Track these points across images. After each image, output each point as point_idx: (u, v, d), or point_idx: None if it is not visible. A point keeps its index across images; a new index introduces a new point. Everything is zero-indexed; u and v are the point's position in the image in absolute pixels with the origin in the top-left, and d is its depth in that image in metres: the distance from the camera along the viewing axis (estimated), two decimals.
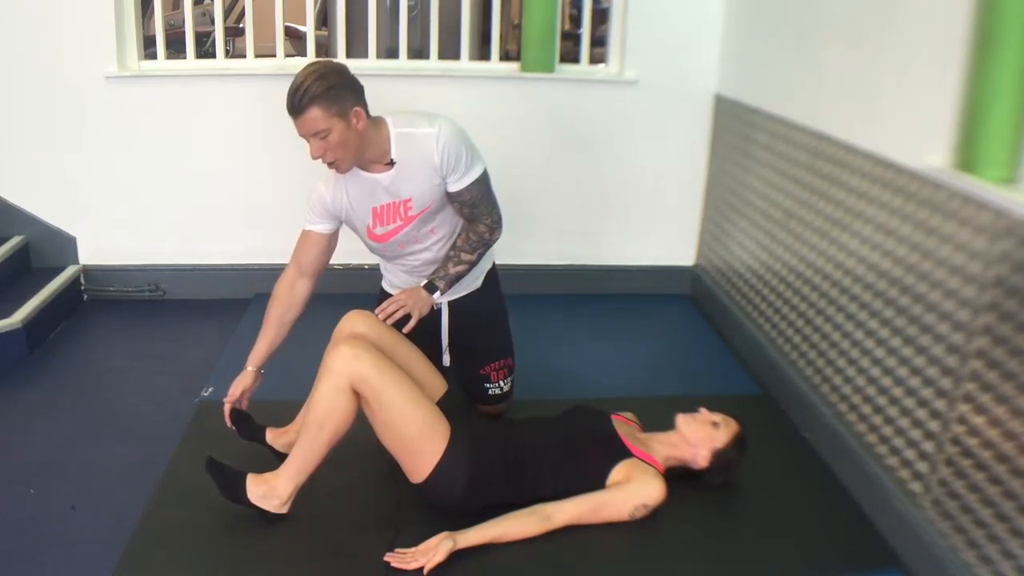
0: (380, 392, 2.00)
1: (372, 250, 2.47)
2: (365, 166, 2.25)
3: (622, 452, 2.15)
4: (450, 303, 2.51)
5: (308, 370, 2.26)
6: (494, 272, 2.64)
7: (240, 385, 2.32)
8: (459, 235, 2.42)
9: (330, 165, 2.19)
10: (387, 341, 2.22)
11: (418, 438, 2.03)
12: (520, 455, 2.13)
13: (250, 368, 2.33)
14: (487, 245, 2.41)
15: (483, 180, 2.34)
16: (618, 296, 3.72)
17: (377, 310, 2.25)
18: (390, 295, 2.49)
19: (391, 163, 2.24)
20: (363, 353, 2.01)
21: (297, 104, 2.07)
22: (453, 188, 2.30)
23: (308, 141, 2.13)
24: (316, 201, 2.33)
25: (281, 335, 2.35)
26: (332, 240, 2.38)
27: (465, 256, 2.37)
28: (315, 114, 2.07)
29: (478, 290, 2.56)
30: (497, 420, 2.57)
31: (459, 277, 2.37)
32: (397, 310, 2.22)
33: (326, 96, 2.07)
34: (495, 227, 2.40)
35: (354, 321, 2.26)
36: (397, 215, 2.32)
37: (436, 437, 2.04)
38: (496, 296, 2.64)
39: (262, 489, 2.05)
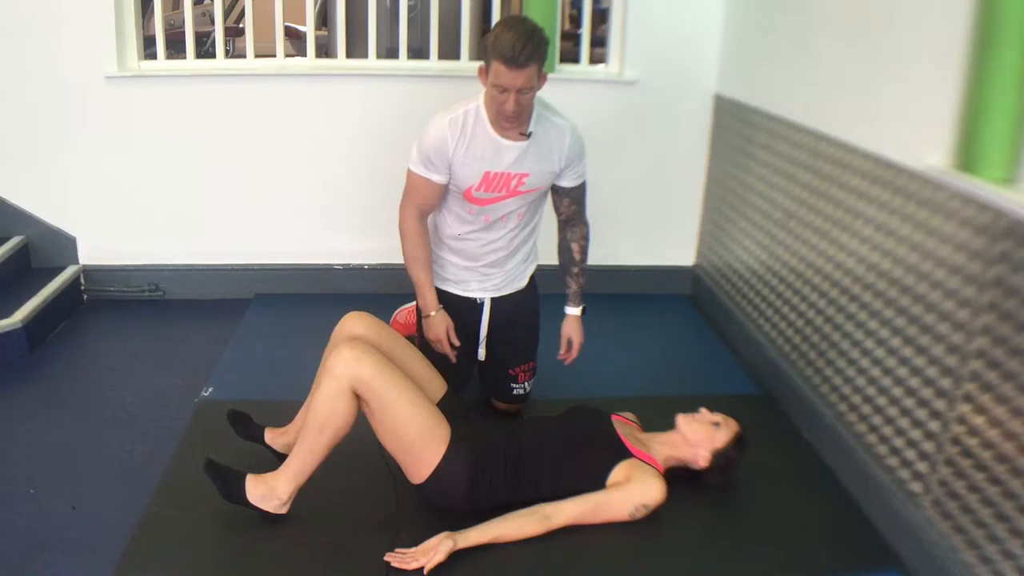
0: (381, 394, 1.99)
1: (453, 215, 2.43)
2: (504, 130, 2.27)
3: (622, 452, 2.15)
4: (492, 300, 2.55)
5: (308, 370, 2.26)
6: (534, 275, 2.66)
7: (444, 323, 2.44)
8: (571, 250, 2.56)
9: (508, 118, 2.21)
10: (386, 342, 2.21)
11: (418, 439, 2.03)
12: (520, 455, 2.13)
13: (435, 312, 2.45)
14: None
15: (586, 183, 2.51)
16: (618, 296, 3.71)
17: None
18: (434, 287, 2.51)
19: (526, 134, 2.29)
20: (364, 355, 2.01)
21: (526, 58, 2.09)
22: (569, 183, 2.45)
23: (506, 92, 2.14)
24: (435, 141, 2.29)
25: (431, 272, 2.46)
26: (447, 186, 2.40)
27: (585, 265, 2.60)
28: (532, 71, 2.13)
29: (521, 290, 2.59)
30: (497, 421, 2.57)
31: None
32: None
33: (544, 55, 2.15)
34: (588, 228, 2.59)
35: (353, 322, 2.25)
36: (506, 186, 2.34)
37: (436, 438, 2.04)
38: (534, 298, 2.67)
39: (261, 490, 2.05)
